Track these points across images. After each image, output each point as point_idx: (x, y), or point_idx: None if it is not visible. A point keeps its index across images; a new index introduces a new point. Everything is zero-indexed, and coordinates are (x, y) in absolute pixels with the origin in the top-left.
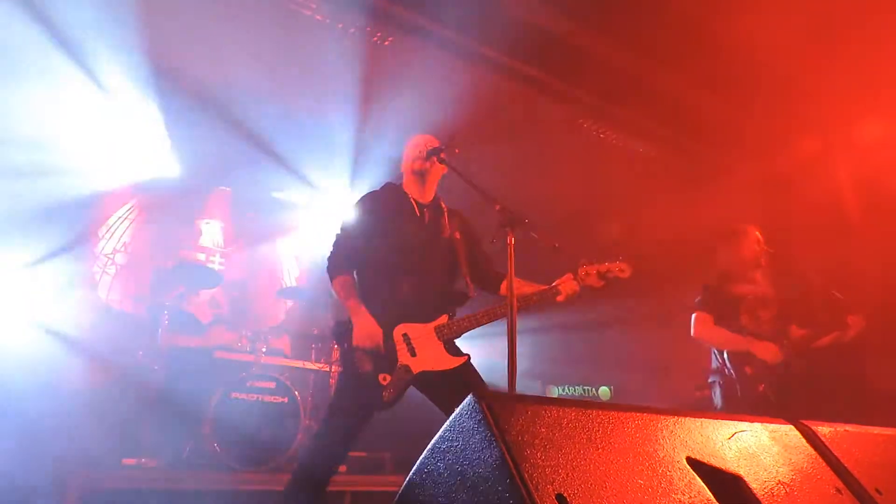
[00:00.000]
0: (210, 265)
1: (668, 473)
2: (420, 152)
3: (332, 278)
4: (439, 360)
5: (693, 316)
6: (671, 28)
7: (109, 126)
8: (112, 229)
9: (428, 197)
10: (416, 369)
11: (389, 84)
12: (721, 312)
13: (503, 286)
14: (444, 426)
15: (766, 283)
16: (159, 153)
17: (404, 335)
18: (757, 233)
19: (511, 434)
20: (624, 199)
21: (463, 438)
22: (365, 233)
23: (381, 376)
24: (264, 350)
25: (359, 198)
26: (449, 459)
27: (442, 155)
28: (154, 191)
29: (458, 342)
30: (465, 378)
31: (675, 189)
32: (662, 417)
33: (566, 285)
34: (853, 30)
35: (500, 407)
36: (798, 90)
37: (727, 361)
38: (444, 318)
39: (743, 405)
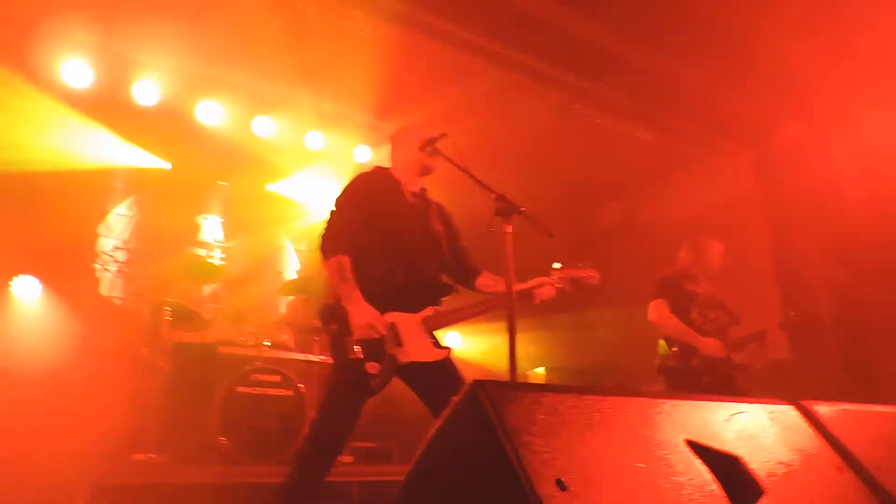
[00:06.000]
0: (210, 260)
1: (667, 456)
2: (417, 147)
3: (326, 257)
4: (425, 352)
5: (651, 302)
6: (664, 10)
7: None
8: (111, 227)
9: (417, 186)
10: (402, 359)
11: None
12: (675, 304)
13: (478, 282)
14: (445, 414)
15: (716, 293)
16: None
17: (391, 324)
18: (721, 248)
19: (510, 421)
20: (619, 182)
21: (463, 426)
22: (358, 215)
23: (368, 365)
24: (267, 344)
25: (351, 179)
26: (450, 447)
27: (436, 145)
28: (151, 186)
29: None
30: (449, 370)
31: (670, 171)
32: (660, 401)
33: (542, 291)
34: (850, 12)
35: (499, 394)
36: (794, 72)
37: (677, 352)
38: (430, 310)
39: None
